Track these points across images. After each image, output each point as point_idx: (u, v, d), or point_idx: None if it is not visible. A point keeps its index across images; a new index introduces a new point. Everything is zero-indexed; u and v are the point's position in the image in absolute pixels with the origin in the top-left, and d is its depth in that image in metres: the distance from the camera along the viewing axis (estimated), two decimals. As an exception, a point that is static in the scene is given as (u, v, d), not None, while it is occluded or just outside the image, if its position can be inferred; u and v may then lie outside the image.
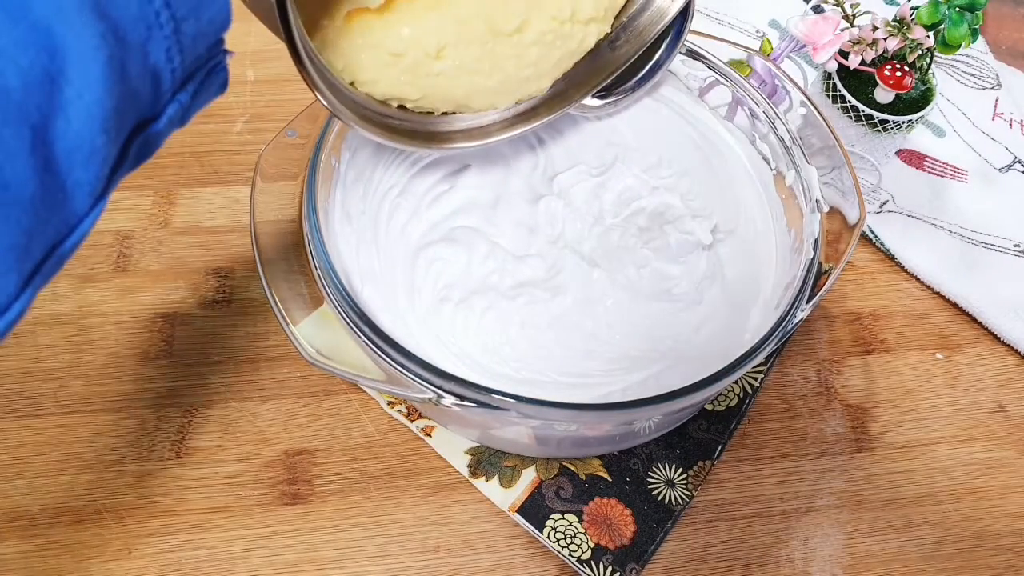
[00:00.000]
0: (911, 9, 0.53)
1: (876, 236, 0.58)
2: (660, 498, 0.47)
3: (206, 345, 0.51)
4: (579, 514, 0.46)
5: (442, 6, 0.37)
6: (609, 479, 0.47)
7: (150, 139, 0.28)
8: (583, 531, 0.45)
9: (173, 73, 0.27)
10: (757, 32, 0.69)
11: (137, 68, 0.25)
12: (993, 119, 0.67)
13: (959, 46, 0.53)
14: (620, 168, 0.48)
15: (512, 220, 0.45)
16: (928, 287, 0.57)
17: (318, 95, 0.35)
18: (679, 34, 0.46)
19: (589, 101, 0.46)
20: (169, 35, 0.25)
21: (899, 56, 0.55)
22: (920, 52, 0.54)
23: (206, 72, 0.30)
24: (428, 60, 0.38)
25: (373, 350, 0.38)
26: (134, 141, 0.27)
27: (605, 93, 0.47)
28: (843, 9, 0.56)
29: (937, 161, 0.63)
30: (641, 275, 0.44)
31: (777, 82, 0.50)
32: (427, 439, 0.48)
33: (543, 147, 0.48)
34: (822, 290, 0.41)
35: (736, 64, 0.50)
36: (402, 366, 0.37)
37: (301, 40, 0.32)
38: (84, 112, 0.23)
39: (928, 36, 0.53)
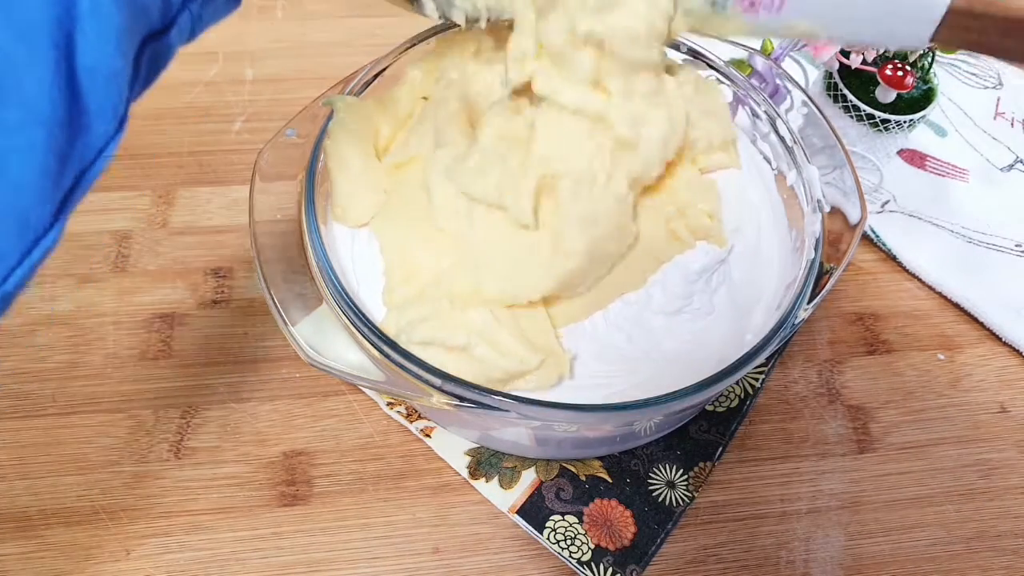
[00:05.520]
0: (913, 8, 0.53)
1: (877, 236, 0.58)
2: (661, 499, 0.47)
3: (205, 346, 0.51)
4: (579, 515, 0.46)
5: None
6: (609, 480, 0.47)
7: (160, 52, 0.28)
8: (583, 532, 0.45)
9: None
10: (758, 31, 0.69)
11: None
12: (995, 118, 0.66)
13: (961, 45, 0.52)
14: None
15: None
16: (930, 287, 0.57)
17: None
18: None
19: None
20: None
21: (900, 55, 0.55)
22: (921, 51, 0.54)
23: None
24: None
25: (372, 350, 0.38)
26: (144, 54, 0.27)
27: None
28: (844, 8, 0.56)
29: (939, 161, 0.63)
30: (651, 294, 0.43)
31: (778, 81, 0.50)
32: (427, 440, 0.48)
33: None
34: (823, 290, 0.41)
35: (737, 63, 0.50)
36: (402, 366, 0.37)
37: None
38: (98, 26, 0.24)
39: (930, 35, 0.53)
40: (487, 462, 0.47)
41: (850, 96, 0.56)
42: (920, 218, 0.59)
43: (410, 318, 0.39)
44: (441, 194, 0.41)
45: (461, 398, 0.37)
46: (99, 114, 0.25)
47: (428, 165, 0.42)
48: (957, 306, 0.56)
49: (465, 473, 0.47)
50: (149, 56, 0.27)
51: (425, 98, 0.47)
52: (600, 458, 0.48)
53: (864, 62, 0.55)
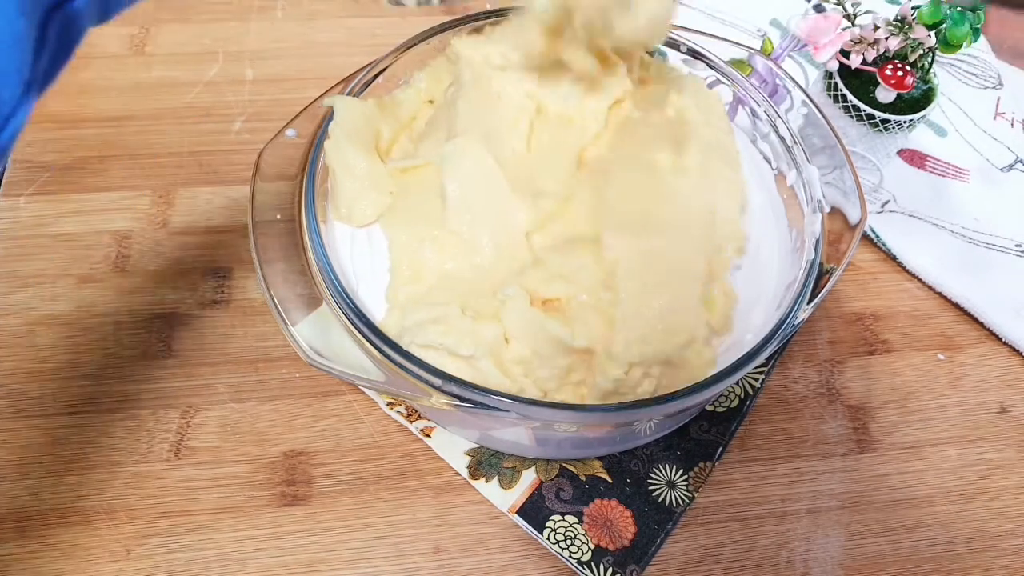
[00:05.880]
0: (912, 8, 0.53)
1: (877, 236, 0.58)
2: (661, 499, 0.47)
3: (205, 346, 0.51)
4: (579, 515, 0.46)
5: None
6: (609, 480, 0.47)
7: (69, 22, 0.28)
8: (583, 532, 0.45)
9: None
10: (758, 31, 0.69)
11: None
12: (995, 119, 0.66)
13: (961, 45, 0.52)
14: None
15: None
16: (930, 287, 0.57)
17: None
18: None
19: None
20: None
21: (900, 55, 0.55)
22: (921, 51, 0.54)
23: None
24: None
25: (372, 350, 0.38)
26: (51, 23, 0.27)
27: None
28: (844, 8, 0.56)
29: (939, 161, 0.63)
30: None
31: (778, 81, 0.50)
32: (427, 440, 0.48)
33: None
34: (823, 290, 0.41)
35: (737, 63, 0.50)
36: (401, 367, 0.37)
37: None
38: None
39: (930, 35, 0.53)
40: (487, 462, 0.47)
41: (850, 96, 0.56)
42: (920, 218, 0.59)
43: (418, 319, 0.39)
44: (455, 196, 0.41)
45: (461, 398, 0.37)
46: (3, 77, 0.25)
47: (445, 163, 0.42)
48: (957, 306, 0.56)
49: (465, 473, 0.47)
50: (58, 27, 0.27)
51: (431, 102, 0.47)
52: (600, 458, 0.48)
53: (864, 62, 0.55)
